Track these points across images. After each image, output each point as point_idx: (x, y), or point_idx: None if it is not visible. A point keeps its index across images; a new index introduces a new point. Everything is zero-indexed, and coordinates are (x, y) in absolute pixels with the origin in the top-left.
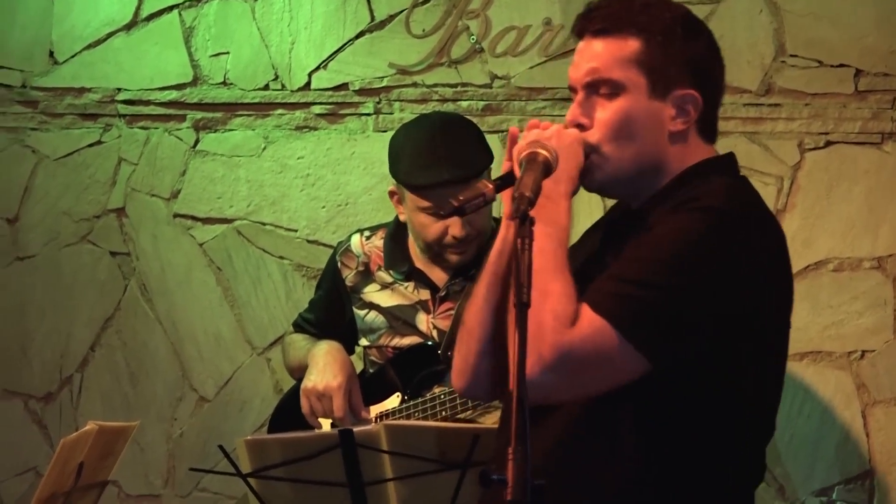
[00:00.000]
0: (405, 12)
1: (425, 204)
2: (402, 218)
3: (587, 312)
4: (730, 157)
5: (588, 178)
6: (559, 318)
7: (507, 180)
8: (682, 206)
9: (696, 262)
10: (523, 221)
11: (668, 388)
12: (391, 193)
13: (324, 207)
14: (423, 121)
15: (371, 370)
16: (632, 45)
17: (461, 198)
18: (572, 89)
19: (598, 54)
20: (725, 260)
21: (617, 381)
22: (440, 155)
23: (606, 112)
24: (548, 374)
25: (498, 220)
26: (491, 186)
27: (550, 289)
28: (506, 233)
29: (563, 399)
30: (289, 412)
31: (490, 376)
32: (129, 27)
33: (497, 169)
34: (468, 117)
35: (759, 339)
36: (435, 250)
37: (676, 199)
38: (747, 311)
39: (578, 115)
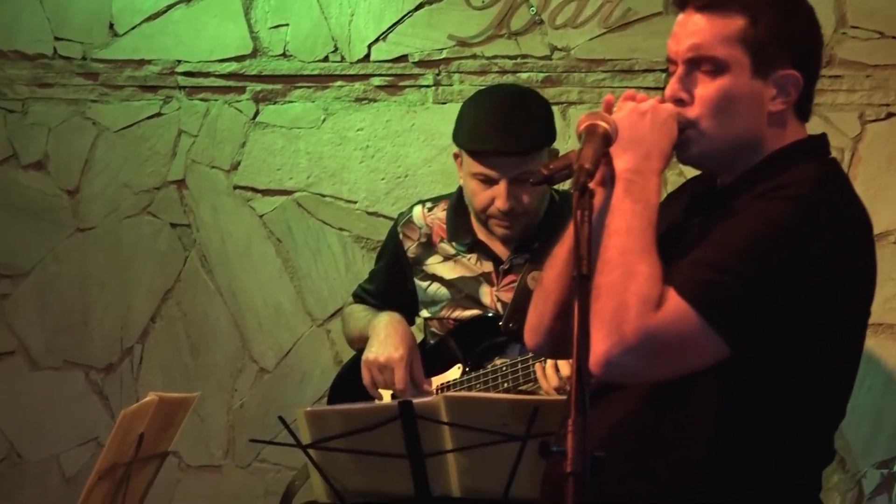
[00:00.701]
0: None
1: (477, 169)
2: (460, 182)
3: (673, 297)
4: (822, 140)
5: (683, 151)
6: (644, 301)
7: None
8: (770, 194)
9: (781, 252)
10: (583, 193)
11: (742, 373)
12: (455, 155)
13: (383, 179)
14: (496, 89)
15: (432, 342)
16: (737, 22)
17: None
18: (671, 61)
19: (701, 30)
20: (810, 250)
21: (695, 366)
22: (500, 124)
23: (708, 90)
24: (628, 355)
25: (562, 195)
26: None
27: (637, 270)
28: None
29: (638, 381)
30: (349, 383)
31: (560, 337)
32: None
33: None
34: (535, 90)
35: (838, 330)
36: (482, 219)
37: (765, 184)
38: (828, 301)
39: (678, 90)
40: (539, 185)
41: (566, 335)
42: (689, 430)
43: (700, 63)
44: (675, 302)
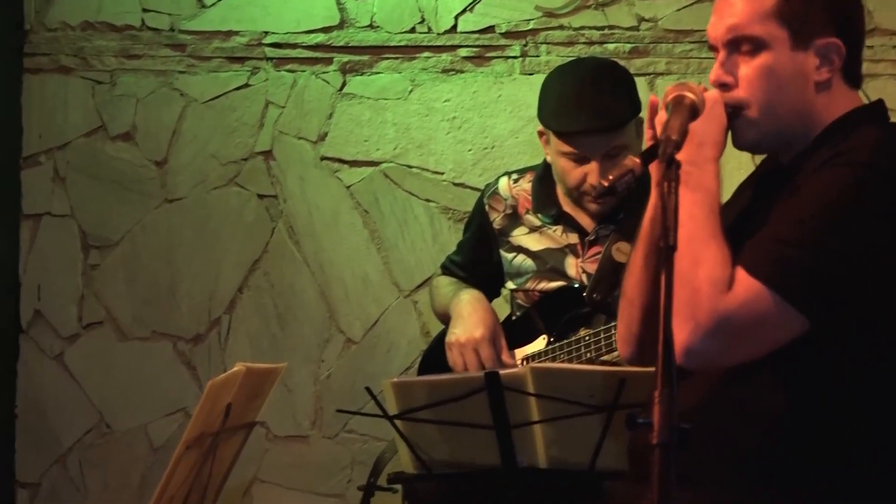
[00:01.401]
0: None
1: (567, 149)
2: (548, 159)
3: (742, 276)
4: (879, 105)
5: (738, 138)
6: (715, 284)
7: (652, 152)
8: (830, 162)
9: (847, 219)
10: (669, 165)
11: (819, 345)
12: (540, 133)
13: (470, 150)
14: (577, 65)
15: (517, 313)
16: None
17: (611, 177)
18: (713, 48)
19: (736, 11)
20: (876, 215)
21: (775, 343)
22: (586, 102)
23: (750, 69)
24: (707, 340)
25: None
26: (638, 161)
27: (704, 255)
28: (656, 200)
29: (723, 364)
30: (439, 356)
31: (650, 344)
32: None
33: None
34: (615, 61)
35: None
36: (574, 196)
37: (825, 154)
38: None
39: (721, 74)
40: (603, 197)
41: (655, 341)
42: (764, 403)
43: (739, 44)
44: (746, 282)
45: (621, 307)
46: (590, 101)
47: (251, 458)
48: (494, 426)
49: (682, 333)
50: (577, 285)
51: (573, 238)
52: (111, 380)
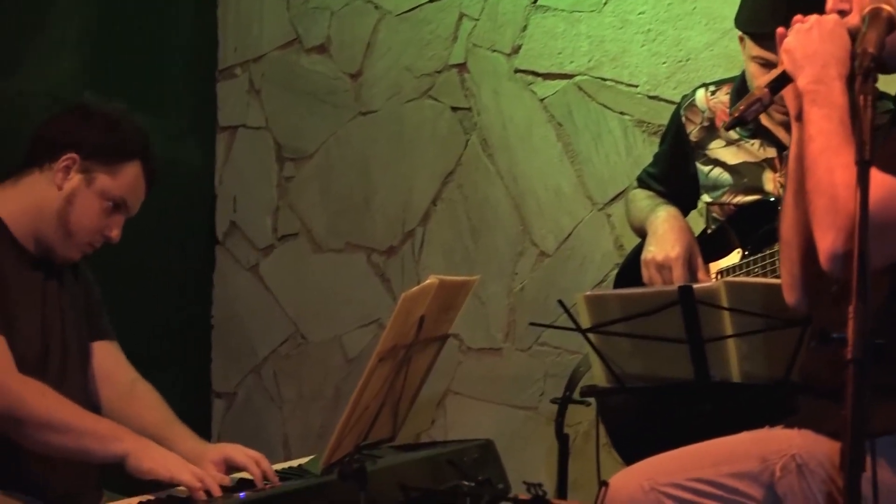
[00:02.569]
0: None
1: (757, 52)
2: (744, 66)
3: (876, 175)
4: None
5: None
6: (850, 187)
7: (781, 81)
8: None
9: None
10: (866, 78)
11: None
12: (740, 39)
13: (664, 63)
14: None
15: (712, 226)
16: None
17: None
18: None
19: None
20: None
21: None
22: (779, 5)
23: None
24: (849, 243)
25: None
26: (766, 91)
27: (836, 162)
28: (798, 135)
29: (876, 267)
30: (634, 271)
31: (813, 288)
32: None
33: None
34: None
35: None
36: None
37: None
38: None
39: (837, 1)
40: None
41: (819, 284)
42: None
43: None
44: (880, 179)
45: (781, 252)
46: (783, 3)
47: (444, 370)
48: (688, 340)
49: (824, 240)
50: (773, 199)
51: (770, 152)
52: (305, 291)
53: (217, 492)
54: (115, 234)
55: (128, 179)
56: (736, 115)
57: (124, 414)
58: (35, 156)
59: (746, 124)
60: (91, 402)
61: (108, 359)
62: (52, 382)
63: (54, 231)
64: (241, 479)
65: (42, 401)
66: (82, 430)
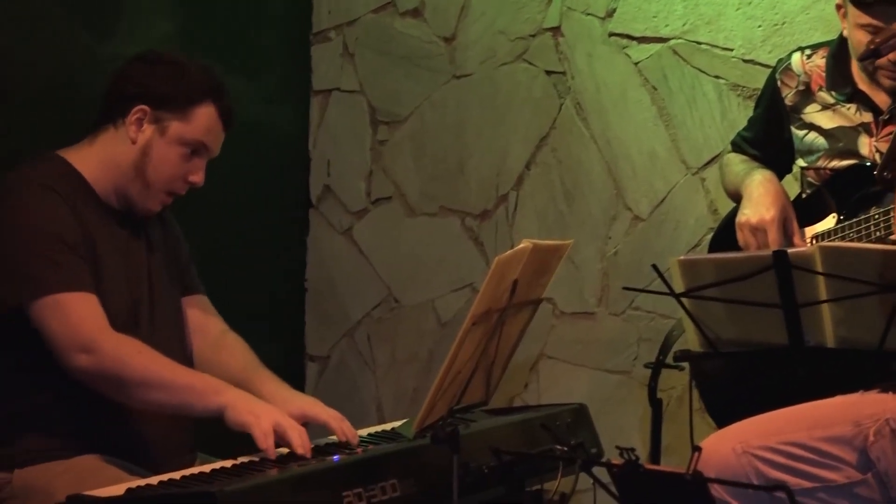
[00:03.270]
0: None
1: (865, 20)
2: (844, 33)
3: None
4: None
5: None
6: None
7: None
8: None
9: None
10: None
11: None
12: (838, 6)
13: (760, 26)
14: None
15: (807, 191)
16: None
17: (877, 40)
18: None
19: None
20: None
21: None
22: None
23: None
24: None
25: None
26: None
27: None
28: None
29: None
30: (730, 235)
31: None
32: None
33: None
34: None
35: None
36: (869, 70)
37: None
38: None
39: None
40: (867, 60)
41: None
42: None
43: None
44: None
45: None
46: None
47: (538, 334)
48: (782, 305)
49: None
50: (868, 164)
51: (867, 117)
52: (399, 255)
53: (306, 452)
54: (198, 178)
55: (202, 122)
56: (872, 46)
57: (213, 362)
58: (108, 112)
59: (879, 56)
60: (185, 356)
61: (198, 312)
62: (143, 337)
63: (132, 183)
64: (328, 443)
65: (139, 359)
66: (180, 385)
